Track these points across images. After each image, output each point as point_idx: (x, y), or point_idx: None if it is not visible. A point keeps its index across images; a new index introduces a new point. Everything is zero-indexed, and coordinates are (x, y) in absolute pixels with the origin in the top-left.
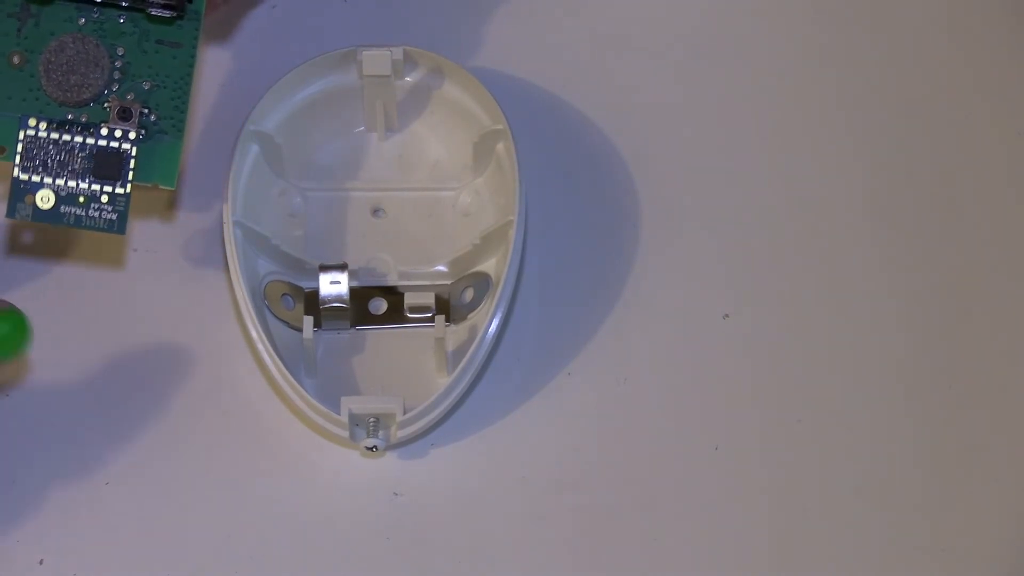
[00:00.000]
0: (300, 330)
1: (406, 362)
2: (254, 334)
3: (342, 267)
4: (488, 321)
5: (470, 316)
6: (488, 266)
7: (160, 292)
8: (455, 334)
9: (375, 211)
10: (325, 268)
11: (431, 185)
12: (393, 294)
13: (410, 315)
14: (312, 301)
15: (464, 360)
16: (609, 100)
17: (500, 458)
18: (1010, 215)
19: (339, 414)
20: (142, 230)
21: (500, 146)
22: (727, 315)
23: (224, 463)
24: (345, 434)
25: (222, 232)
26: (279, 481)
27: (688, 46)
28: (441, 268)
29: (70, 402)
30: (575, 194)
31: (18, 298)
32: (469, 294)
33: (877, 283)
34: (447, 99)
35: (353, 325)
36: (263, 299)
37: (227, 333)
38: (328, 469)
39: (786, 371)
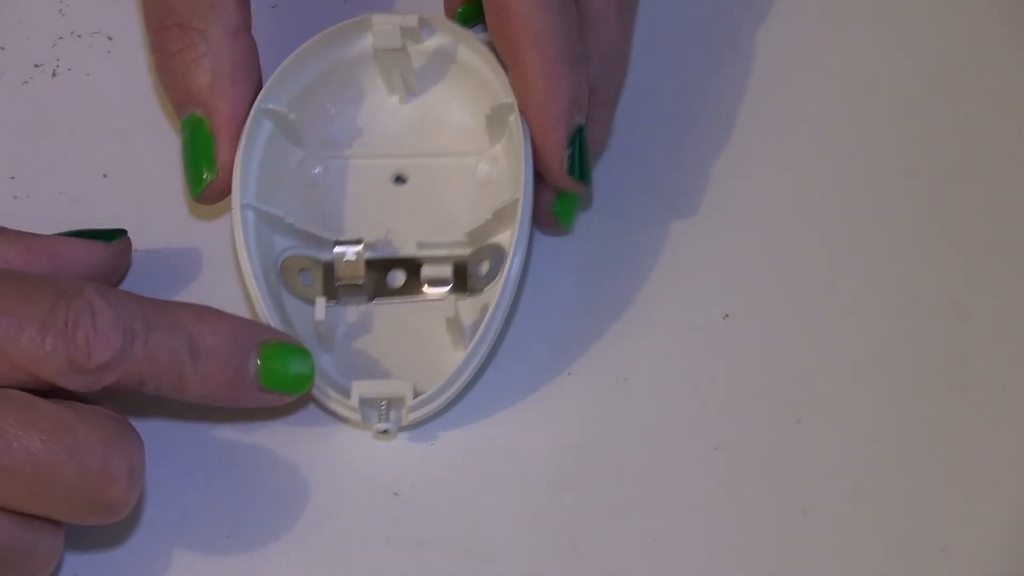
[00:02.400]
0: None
1: (423, 335)
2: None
3: (357, 242)
4: (498, 298)
5: (486, 289)
6: (503, 238)
7: (168, 284)
8: (472, 306)
9: (396, 178)
10: (341, 243)
11: (452, 150)
12: (412, 265)
13: (427, 288)
14: (330, 273)
15: (474, 341)
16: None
17: (500, 458)
18: (1010, 215)
19: (350, 398)
20: (147, 228)
21: (512, 118)
22: (727, 315)
23: (223, 464)
24: (358, 417)
25: (231, 219)
26: (278, 481)
27: (689, 43)
28: (460, 238)
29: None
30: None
31: None
32: (485, 267)
33: (877, 283)
34: (465, 64)
35: (371, 298)
36: (279, 276)
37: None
38: (328, 469)
39: (786, 371)
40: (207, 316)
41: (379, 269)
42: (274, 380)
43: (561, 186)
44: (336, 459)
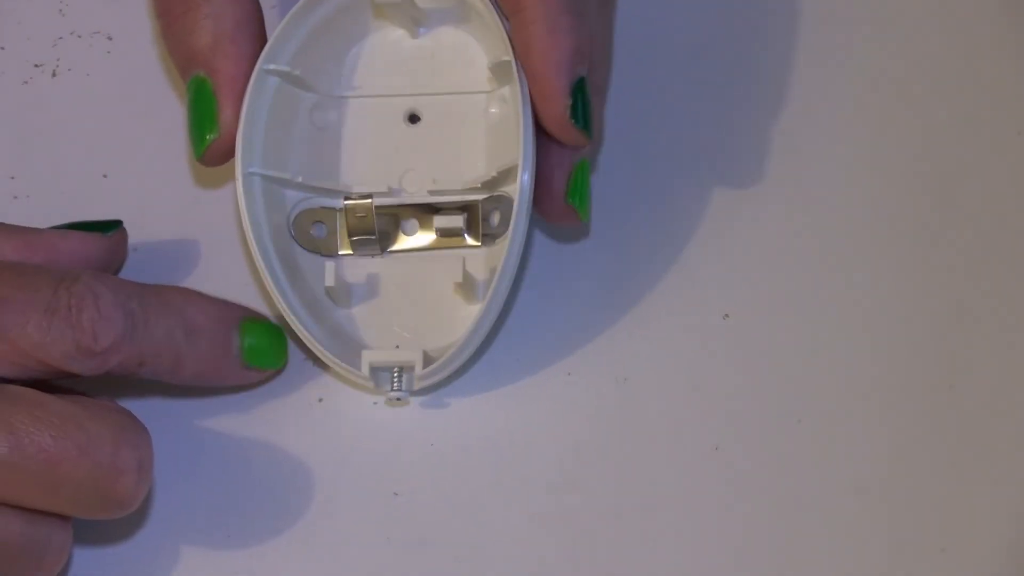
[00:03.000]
0: (333, 256)
1: (436, 288)
2: (278, 298)
3: (367, 196)
4: (506, 254)
5: (497, 241)
6: (513, 189)
7: (169, 282)
8: (484, 264)
9: (410, 117)
10: (351, 198)
11: (464, 87)
12: (425, 212)
13: (440, 239)
14: (343, 224)
15: (485, 301)
16: (608, 100)
17: (500, 458)
18: (1010, 215)
19: (360, 367)
20: (147, 228)
21: (514, 71)
22: (727, 315)
23: (223, 463)
24: (370, 385)
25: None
26: (279, 481)
27: (690, 44)
28: (472, 183)
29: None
30: None
31: None
32: (496, 216)
33: (877, 283)
34: (471, 5)
35: (384, 248)
36: (292, 231)
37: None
38: (328, 469)
39: (786, 371)
40: (193, 296)
41: (392, 216)
42: (255, 356)
43: (564, 139)
44: (336, 459)
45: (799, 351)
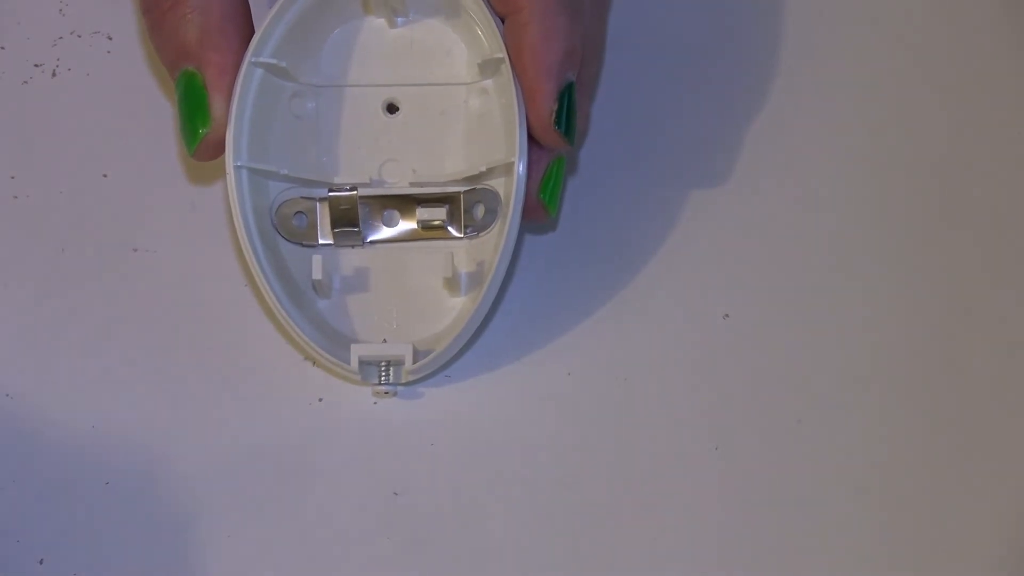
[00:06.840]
0: (314, 246)
1: (420, 280)
2: (268, 292)
3: (351, 189)
4: (503, 245)
5: (482, 234)
6: (499, 183)
7: (171, 283)
8: (468, 256)
9: (388, 107)
10: (334, 190)
11: (443, 79)
12: (406, 203)
13: (423, 231)
14: (325, 215)
15: (478, 301)
16: (607, 97)
17: (500, 458)
18: (1010, 215)
19: (349, 361)
20: (147, 228)
21: (503, 68)
22: (727, 315)
23: (223, 464)
24: (357, 378)
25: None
26: (279, 481)
27: (689, 42)
28: (455, 176)
29: (70, 402)
30: (574, 194)
31: (12, 292)
32: (480, 210)
33: (877, 283)
34: (463, 5)
35: (366, 239)
36: (274, 222)
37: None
38: (328, 469)
39: (786, 371)
40: None
41: (374, 207)
42: None
43: (545, 142)
44: (337, 459)
45: (799, 351)
